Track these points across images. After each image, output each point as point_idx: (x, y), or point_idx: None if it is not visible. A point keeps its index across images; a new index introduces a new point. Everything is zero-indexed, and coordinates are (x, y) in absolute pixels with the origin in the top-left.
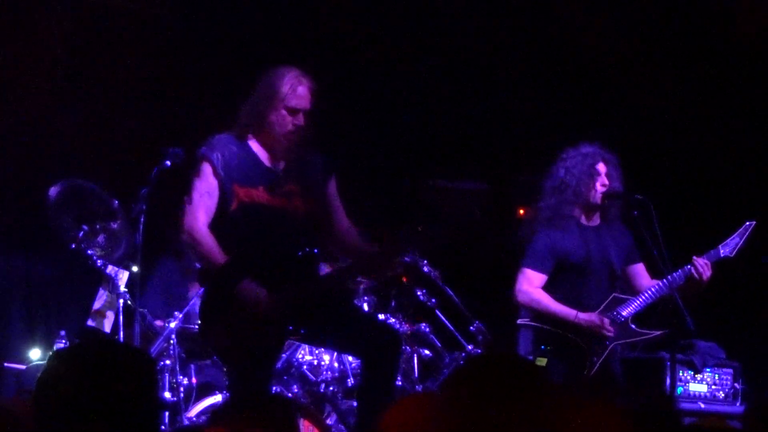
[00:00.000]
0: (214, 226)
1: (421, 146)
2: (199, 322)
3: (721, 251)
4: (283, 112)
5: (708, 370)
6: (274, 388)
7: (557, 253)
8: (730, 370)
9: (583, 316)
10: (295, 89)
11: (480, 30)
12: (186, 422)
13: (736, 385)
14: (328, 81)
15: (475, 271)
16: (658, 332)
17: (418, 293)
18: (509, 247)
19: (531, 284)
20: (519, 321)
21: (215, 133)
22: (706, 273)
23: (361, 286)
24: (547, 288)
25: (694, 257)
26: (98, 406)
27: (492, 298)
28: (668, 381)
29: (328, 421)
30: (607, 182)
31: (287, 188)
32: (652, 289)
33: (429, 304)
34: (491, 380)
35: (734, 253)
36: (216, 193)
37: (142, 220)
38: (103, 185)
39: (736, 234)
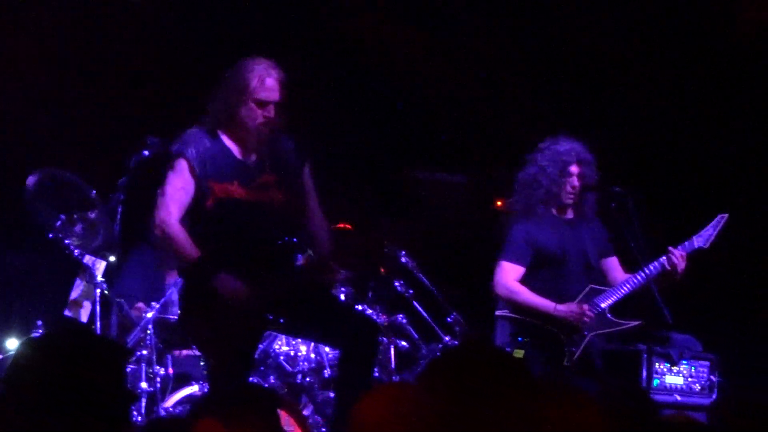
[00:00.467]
0: (191, 222)
1: (401, 138)
2: (180, 313)
3: (696, 242)
4: (252, 105)
5: (684, 362)
6: (251, 378)
7: (534, 245)
8: (707, 363)
9: (562, 307)
10: (264, 82)
11: (463, 22)
12: (162, 412)
13: (712, 377)
14: (311, 73)
15: (453, 263)
16: (635, 323)
17: (396, 284)
18: (487, 238)
19: (509, 277)
20: (497, 312)
21: (186, 127)
22: (681, 264)
23: (339, 277)
24: (525, 280)
25: (670, 248)
26: (65, 395)
27: (470, 289)
28: (645, 373)
29: (305, 412)
30: (577, 185)
31: (263, 180)
32: (630, 282)
33: (406, 295)
34: (469, 371)
35: (708, 244)
36: (191, 189)
37: (119, 209)
38: (81, 175)
39: (709, 226)
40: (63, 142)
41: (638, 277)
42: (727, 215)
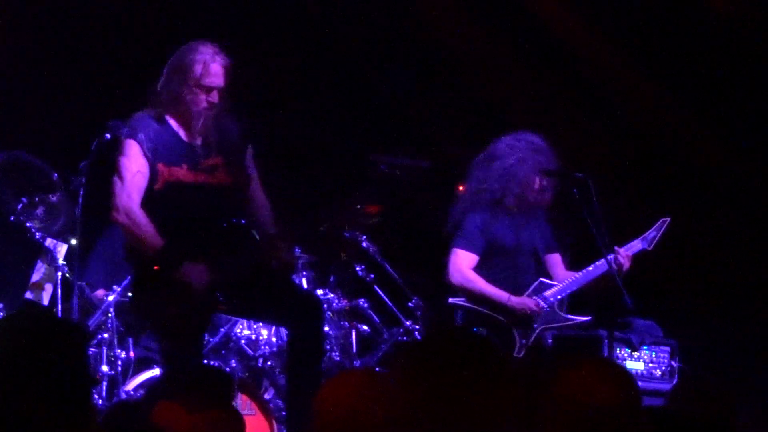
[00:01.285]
0: (147, 205)
1: (364, 122)
2: (132, 296)
3: (640, 244)
4: (197, 90)
5: (645, 348)
6: (212, 362)
7: (488, 235)
8: (667, 348)
9: (516, 299)
10: (208, 67)
11: (426, 5)
12: (123, 396)
13: (672, 363)
14: (277, 57)
15: (415, 247)
16: (585, 318)
17: (357, 269)
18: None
19: (464, 264)
20: (450, 300)
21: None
22: (626, 264)
23: (300, 261)
24: (477, 268)
25: (616, 248)
26: (26, 377)
27: (431, 274)
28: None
29: (266, 396)
30: (545, 185)
31: (210, 162)
32: (577, 277)
33: (368, 279)
34: (441, 357)
35: (652, 246)
36: (147, 172)
37: (81, 192)
38: (42, 158)
39: (653, 228)
40: (24, 125)
41: (585, 274)
42: (669, 219)
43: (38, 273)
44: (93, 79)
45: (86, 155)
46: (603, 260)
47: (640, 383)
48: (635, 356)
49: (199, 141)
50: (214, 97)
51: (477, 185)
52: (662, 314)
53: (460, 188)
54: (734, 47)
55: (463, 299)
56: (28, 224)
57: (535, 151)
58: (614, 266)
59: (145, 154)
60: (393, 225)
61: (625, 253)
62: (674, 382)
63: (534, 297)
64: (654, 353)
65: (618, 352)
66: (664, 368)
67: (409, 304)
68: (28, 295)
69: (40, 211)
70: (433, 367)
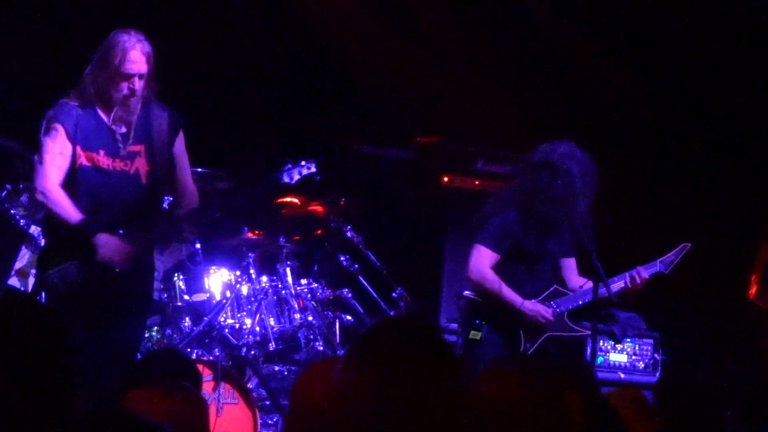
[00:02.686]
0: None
1: (348, 112)
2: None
3: (658, 266)
4: (117, 77)
5: (628, 340)
6: (195, 351)
7: (514, 237)
8: (651, 341)
9: (529, 305)
10: (128, 55)
11: None
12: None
13: (656, 355)
14: (259, 47)
15: (399, 238)
16: (588, 332)
17: (341, 259)
18: (433, 214)
19: (484, 262)
20: (464, 293)
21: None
22: (641, 286)
23: (284, 251)
24: (496, 268)
25: (638, 267)
26: (6, 363)
27: (414, 264)
28: (589, 350)
29: (249, 385)
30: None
31: (130, 149)
32: (592, 293)
33: (352, 269)
34: (392, 347)
35: (669, 270)
36: (69, 154)
37: None
38: (27, 145)
39: (672, 252)
40: (10, 113)
41: (601, 289)
42: (690, 245)
43: (22, 260)
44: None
45: None
46: (620, 278)
47: (622, 375)
48: (618, 348)
49: (122, 128)
50: (135, 83)
51: (522, 194)
52: (645, 306)
53: (445, 179)
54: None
55: (476, 294)
56: (12, 211)
57: (583, 175)
58: (630, 285)
59: (68, 135)
60: (377, 215)
61: (642, 276)
62: (657, 374)
63: (546, 304)
64: (637, 345)
65: (601, 344)
66: (647, 360)
67: (393, 294)
68: (13, 281)
69: (24, 198)
70: (376, 356)
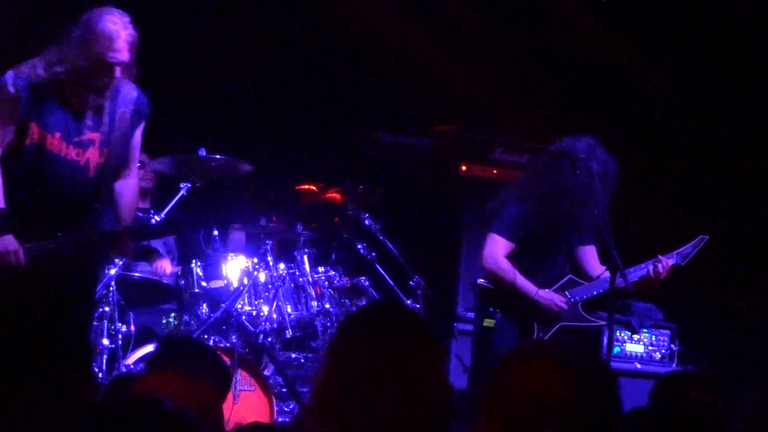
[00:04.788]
0: (3, 160)
1: (367, 100)
2: None
3: (675, 258)
4: (99, 63)
5: (645, 330)
6: (212, 338)
7: (529, 226)
8: (667, 332)
9: (544, 294)
10: (114, 44)
11: None
12: (123, 369)
13: (672, 346)
14: (276, 34)
15: (416, 226)
16: (602, 322)
17: (359, 246)
18: (451, 202)
19: (499, 252)
20: (479, 281)
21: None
22: (664, 274)
23: (301, 238)
24: (511, 256)
25: (660, 256)
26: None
27: (432, 252)
28: (605, 341)
29: (266, 372)
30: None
31: (86, 137)
32: (609, 282)
33: (369, 257)
34: (376, 328)
35: (685, 262)
36: (13, 124)
37: None
38: None
39: (690, 244)
40: None
41: (615, 279)
42: (707, 237)
43: None
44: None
45: None
46: (641, 267)
47: (639, 366)
48: (635, 339)
49: (85, 113)
50: (117, 72)
51: (539, 182)
52: (662, 298)
53: (463, 168)
54: None
55: (490, 282)
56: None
57: (602, 172)
58: (652, 274)
59: (20, 105)
60: (395, 203)
61: (666, 263)
62: (673, 365)
63: (561, 293)
64: (654, 336)
65: (618, 334)
66: (663, 351)
67: (410, 282)
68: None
69: None
70: (359, 341)
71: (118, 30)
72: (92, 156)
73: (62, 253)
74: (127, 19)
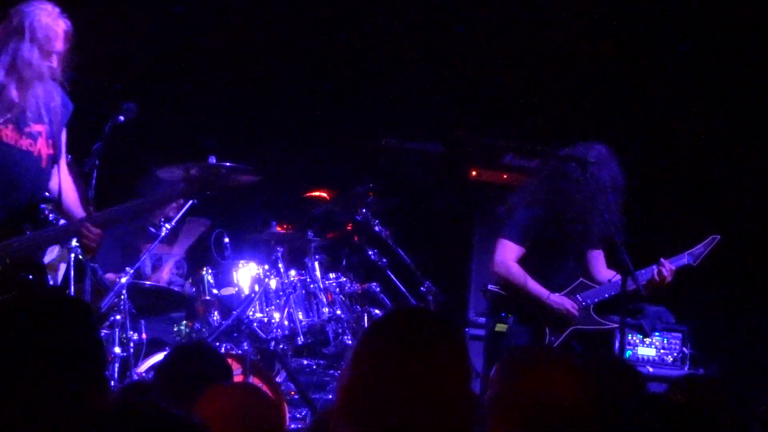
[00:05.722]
0: None
1: (377, 106)
2: None
3: (686, 259)
4: (37, 53)
5: (657, 334)
6: (223, 345)
7: (539, 230)
8: (679, 335)
9: (555, 298)
10: (50, 32)
11: None
12: (135, 377)
13: (684, 349)
14: (285, 40)
15: (427, 232)
16: (615, 325)
17: (370, 252)
18: (462, 208)
19: (509, 256)
20: (489, 286)
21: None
22: (669, 278)
23: (312, 245)
24: (522, 261)
25: (662, 260)
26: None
27: (443, 258)
28: (617, 344)
29: (278, 379)
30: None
31: (34, 128)
32: (618, 285)
33: (380, 263)
34: (404, 333)
35: (697, 262)
36: None
37: (94, 174)
38: None
39: (701, 244)
40: None
41: (626, 282)
42: (719, 237)
43: (51, 254)
44: (108, 60)
45: (99, 137)
46: (646, 271)
47: (651, 369)
48: (647, 342)
49: (29, 104)
50: (53, 61)
51: (549, 186)
52: (674, 300)
53: (473, 173)
54: None
55: (501, 288)
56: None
57: (611, 177)
58: (657, 278)
59: None
60: (405, 209)
61: (669, 267)
62: (685, 368)
63: (572, 297)
64: (666, 339)
65: (630, 338)
66: (675, 354)
67: (421, 288)
68: None
69: None
70: (387, 344)
71: (56, 18)
72: (42, 147)
73: (34, 250)
74: (59, 10)
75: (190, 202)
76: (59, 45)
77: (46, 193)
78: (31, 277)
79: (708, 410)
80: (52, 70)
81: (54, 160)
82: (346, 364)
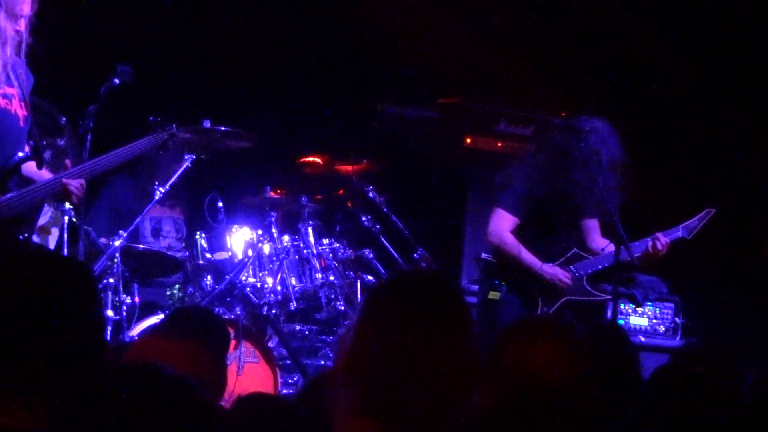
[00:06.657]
0: None
1: (373, 72)
2: None
3: (680, 232)
4: (3, 16)
5: (649, 303)
6: (216, 309)
7: (534, 200)
8: (671, 305)
9: (548, 268)
10: None
11: None
12: (128, 341)
13: (676, 319)
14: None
15: (421, 199)
16: (607, 297)
17: (363, 219)
18: (457, 175)
19: (503, 226)
20: (483, 255)
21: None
22: (664, 250)
23: (306, 210)
24: (516, 231)
25: (657, 233)
26: (38, 316)
27: (436, 225)
28: (610, 314)
29: (270, 344)
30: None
31: (7, 91)
32: (611, 257)
33: (373, 230)
34: (408, 296)
35: (692, 235)
36: None
37: (89, 137)
38: (50, 101)
39: (696, 218)
40: (33, 68)
41: (620, 254)
42: (714, 210)
43: (45, 216)
44: (102, 22)
45: (94, 99)
46: (641, 243)
47: (643, 339)
48: (639, 312)
49: (1, 67)
50: (21, 25)
51: (545, 156)
52: (666, 270)
53: (467, 140)
54: None
55: (494, 257)
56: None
57: (608, 150)
58: (651, 250)
59: None
60: (399, 175)
61: (663, 240)
62: (677, 338)
63: (565, 267)
64: (658, 309)
65: (622, 307)
66: (667, 324)
67: (414, 255)
68: (35, 238)
69: (47, 154)
70: (391, 306)
71: None
72: (18, 109)
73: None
74: None
75: (187, 163)
76: (26, 8)
77: (24, 153)
78: (24, 236)
79: (727, 380)
80: (19, 34)
81: (27, 121)
82: (350, 327)
